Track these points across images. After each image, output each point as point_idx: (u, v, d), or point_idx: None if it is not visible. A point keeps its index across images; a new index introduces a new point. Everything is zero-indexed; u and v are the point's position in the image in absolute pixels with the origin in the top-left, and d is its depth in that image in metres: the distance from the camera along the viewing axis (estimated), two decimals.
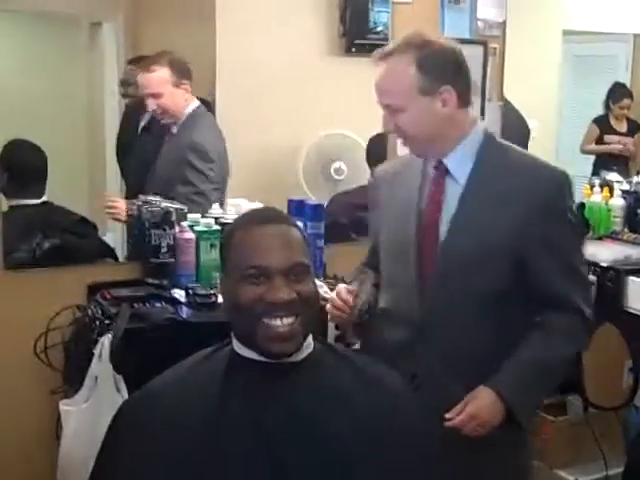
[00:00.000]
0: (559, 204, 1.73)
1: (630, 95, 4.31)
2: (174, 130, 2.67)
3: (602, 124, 4.41)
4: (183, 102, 2.65)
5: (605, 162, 4.20)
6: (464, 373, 1.69)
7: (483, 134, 1.78)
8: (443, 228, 1.74)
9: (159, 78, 2.62)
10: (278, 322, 1.29)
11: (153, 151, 2.74)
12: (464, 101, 1.73)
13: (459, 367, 1.70)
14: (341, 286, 1.80)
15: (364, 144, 2.97)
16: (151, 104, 2.62)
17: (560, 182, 1.74)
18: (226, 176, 2.67)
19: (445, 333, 1.72)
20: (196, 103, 2.68)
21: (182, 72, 2.66)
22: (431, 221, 1.76)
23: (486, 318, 1.71)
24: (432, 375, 1.72)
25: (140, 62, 2.76)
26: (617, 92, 4.37)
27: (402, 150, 2.86)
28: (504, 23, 2.99)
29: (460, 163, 1.76)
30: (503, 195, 1.72)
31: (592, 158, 4.42)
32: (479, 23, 2.93)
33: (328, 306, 1.78)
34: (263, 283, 1.30)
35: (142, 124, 2.84)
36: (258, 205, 2.26)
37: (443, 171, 1.78)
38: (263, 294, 1.30)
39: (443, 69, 1.69)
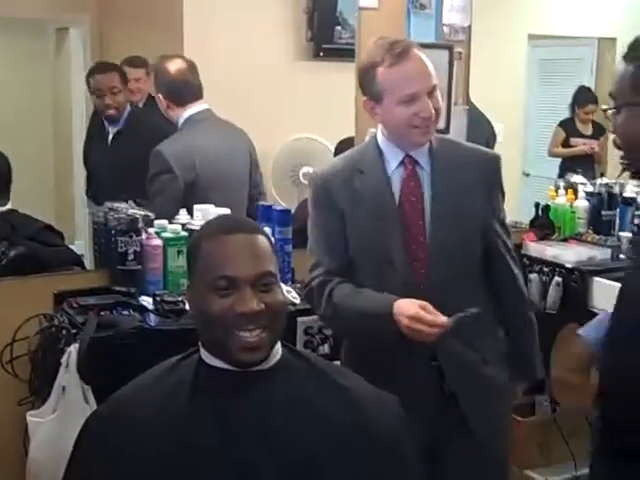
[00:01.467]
0: (500, 180, 1.99)
1: (595, 100, 4.36)
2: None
3: (568, 127, 4.47)
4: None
5: (571, 165, 4.25)
6: (472, 338, 1.89)
7: None
8: (427, 219, 1.90)
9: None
10: (247, 333, 1.29)
11: (126, 157, 2.74)
12: None
13: (466, 335, 1.85)
14: (412, 305, 1.77)
15: (332, 148, 2.98)
16: None
17: (499, 160, 2.01)
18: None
19: (448, 307, 1.78)
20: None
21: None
22: (412, 214, 1.90)
23: (477, 287, 1.94)
24: (449, 352, 1.87)
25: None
26: (582, 97, 4.43)
27: None
28: (469, 28, 3.01)
29: (422, 154, 1.92)
30: (463, 178, 1.90)
31: (558, 161, 4.48)
32: (444, 28, 2.95)
33: (424, 328, 1.75)
34: (232, 294, 1.30)
35: (115, 129, 2.83)
36: (225, 211, 2.26)
37: (414, 163, 1.92)
38: (232, 305, 1.29)
39: None
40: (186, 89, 2.59)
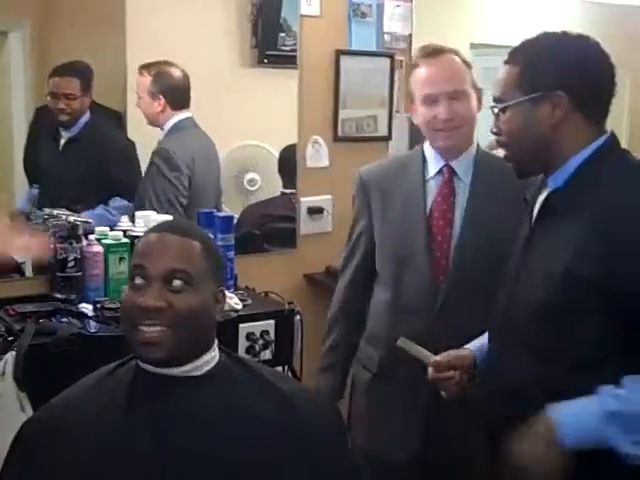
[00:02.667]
0: None
1: None
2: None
3: None
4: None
5: None
6: None
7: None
8: (456, 229, 1.93)
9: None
10: (145, 328, 1.30)
11: (77, 165, 2.70)
12: None
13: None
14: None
15: (277, 155, 2.99)
16: None
17: None
18: None
19: (460, 320, 1.85)
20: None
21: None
22: (440, 224, 1.94)
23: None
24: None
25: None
26: None
27: (312, 161, 2.93)
28: (410, 36, 3.06)
29: (462, 164, 1.97)
30: (502, 197, 1.88)
31: None
32: (385, 36, 3.00)
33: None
34: (143, 288, 1.31)
35: (69, 135, 2.79)
36: (167, 217, 2.26)
37: (451, 173, 1.97)
38: (137, 299, 1.31)
39: None
40: (184, 95, 2.74)
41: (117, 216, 2.46)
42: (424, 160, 2.03)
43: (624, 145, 1.60)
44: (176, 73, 2.74)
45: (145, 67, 2.76)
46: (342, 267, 2.20)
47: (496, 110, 1.57)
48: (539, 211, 1.59)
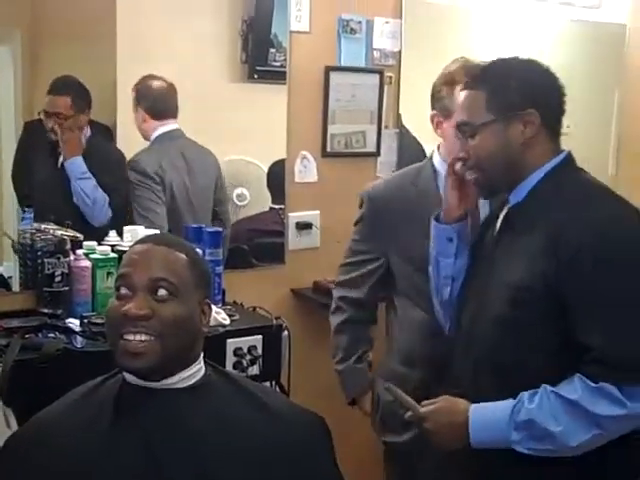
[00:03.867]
0: None
1: None
2: None
3: None
4: None
5: None
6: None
7: None
8: None
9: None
10: (130, 337, 1.30)
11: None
12: None
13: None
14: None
15: (266, 170, 3.00)
16: None
17: None
18: None
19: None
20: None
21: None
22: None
23: None
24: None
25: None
26: None
27: (300, 176, 2.93)
28: (399, 53, 3.08)
29: None
30: None
31: None
32: (375, 53, 3.01)
33: None
34: (128, 297, 1.32)
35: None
36: (155, 232, 2.26)
37: None
38: (121, 307, 1.31)
39: None
40: (164, 105, 2.75)
41: None
42: (435, 173, 2.04)
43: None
44: (155, 84, 2.76)
45: (136, 83, 2.79)
46: (351, 283, 2.22)
47: (465, 134, 1.61)
48: (500, 226, 1.66)
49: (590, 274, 1.45)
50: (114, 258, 2.26)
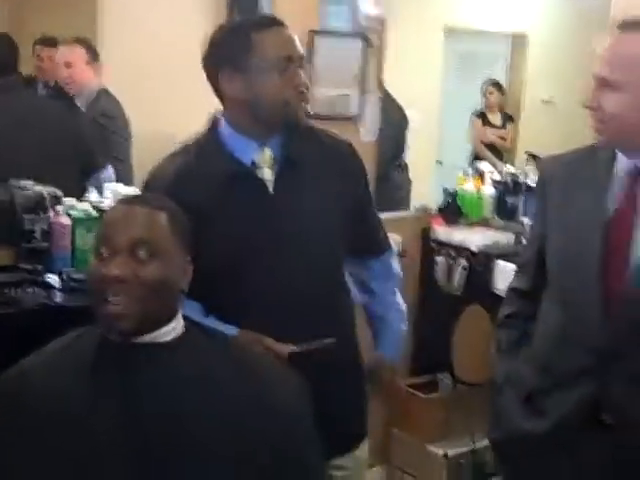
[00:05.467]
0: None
1: (495, 84, 4.53)
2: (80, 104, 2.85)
3: (481, 117, 4.61)
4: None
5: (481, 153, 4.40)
6: None
7: None
8: (636, 246, 1.56)
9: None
10: (112, 298, 1.31)
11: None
12: None
13: None
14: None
15: None
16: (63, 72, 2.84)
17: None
18: None
19: (635, 366, 1.55)
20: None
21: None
22: (621, 236, 1.57)
23: None
24: (622, 414, 1.57)
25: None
26: (485, 84, 4.60)
27: None
28: (383, 17, 3.08)
29: None
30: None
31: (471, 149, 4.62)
32: (359, 17, 3.01)
33: None
34: (109, 259, 1.32)
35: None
36: (134, 190, 2.28)
37: (637, 176, 1.59)
38: (101, 269, 1.32)
39: None
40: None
41: None
42: (614, 153, 1.65)
43: None
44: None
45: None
46: (519, 268, 1.93)
47: None
48: None
49: None
50: (94, 216, 2.28)
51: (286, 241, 1.67)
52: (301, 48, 1.70)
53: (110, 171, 2.76)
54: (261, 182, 1.69)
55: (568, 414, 1.62)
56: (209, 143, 1.72)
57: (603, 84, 1.54)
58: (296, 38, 1.69)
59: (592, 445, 1.59)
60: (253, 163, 1.69)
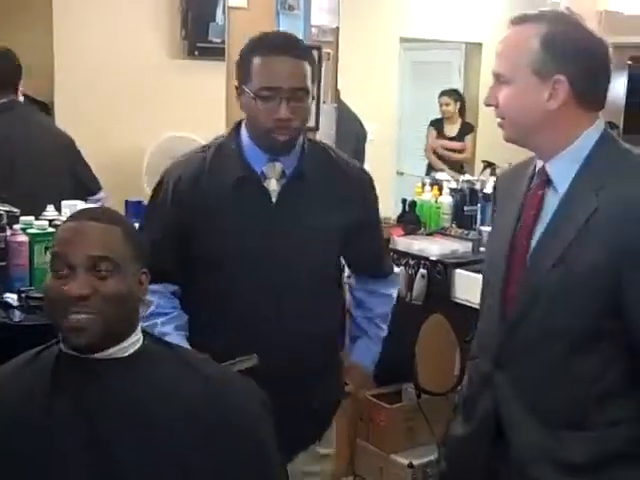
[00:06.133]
0: None
1: (450, 93, 4.57)
2: None
3: (438, 127, 4.65)
4: None
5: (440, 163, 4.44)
6: (552, 424, 1.50)
7: (599, 134, 1.50)
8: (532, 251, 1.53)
9: None
10: (74, 316, 1.31)
11: None
12: (582, 100, 1.48)
13: (544, 415, 1.51)
14: None
15: None
16: None
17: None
18: None
19: (525, 371, 1.53)
20: None
21: None
22: (522, 243, 1.53)
23: (574, 362, 1.48)
24: (512, 423, 1.54)
25: None
26: (440, 94, 4.63)
27: None
28: (337, 29, 3.11)
29: (563, 170, 1.50)
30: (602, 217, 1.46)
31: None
32: (313, 29, 3.03)
33: None
34: (67, 276, 1.32)
35: None
36: (93, 206, 2.26)
37: (544, 180, 1.53)
38: (62, 287, 1.31)
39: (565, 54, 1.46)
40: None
41: None
42: None
43: None
44: None
45: None
46: None
47: None
48: None
49: None
50: (51, 233, 2.25)
51: (277, 249, 1.79)
52: (302, 80, 1.72)
53: (103, 194, 2.76)
54: (266, 191, 1.80)
55: (477, 424, 1.61)
56: (229, 145, 1.84)
57: (496, 79, 1.52)
58: (299, 69, 1.73)
59: (498, 458, 1.57)
60: (262, 172, 1.81)
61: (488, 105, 1.54)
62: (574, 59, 1.45)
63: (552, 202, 1.51)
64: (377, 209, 2.00)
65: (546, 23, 1.47)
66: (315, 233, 1.80)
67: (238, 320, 1.80)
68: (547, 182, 1.52)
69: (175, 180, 1.83)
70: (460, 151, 4.48)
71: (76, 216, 1.42)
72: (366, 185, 1.94)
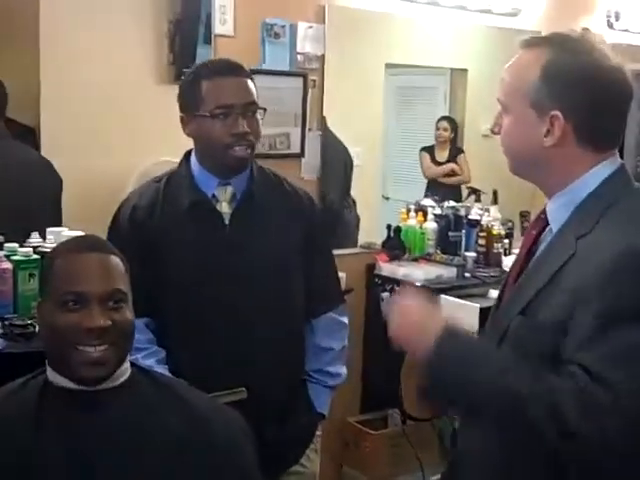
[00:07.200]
0: None
1: (447, 119, 4.57)
2: None
3: (430, 152, 4.64)
4: None
5: (436, 188, 4.41)
6: None
7: (607, 174, 1.34)
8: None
9: None
10: (92, 349, 1.32)
11: None
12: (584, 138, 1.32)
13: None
14: None
15: None
16: None
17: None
18: None
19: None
20: None
21: None
22: (509, 280, 1.46)
23: None
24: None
25: None
26: (437, 121, 4.63)
27: None
28: (323, 57, 3.14)
29: (558, 211, 1.37)
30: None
31: (418, 184, 4.63)
32: (299, 56, 3.07)
33: None
34: (80, 310, 1.33)
35: None
36: (79, 233, 2.25)
37: (541, 218, 1.42)
38: (79, 321, 1.33)
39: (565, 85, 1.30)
40: None
41: None
42: None
43: None
44: None
45: None
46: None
47: None
48: None
49: None
50: (36, 259, 2.25)
51: (236, 270, 1.85)
52: (252, 95, 1.86)
53: None
54: (218, 214, 1.88)
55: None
56: (180, 173, 1.93)
57: (501, 107, 1.41)
58: (248, 86, 1.86)
59: None
60: (214, 196, 1.89)
61: (493, 133, 1.46)
62: (573, 91, 1.30)
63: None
64: (326, 235, 2.08)
65: (550, 49, 1.32)
66: (271, 252, 1.88)
67: (206, 347, 1.84)
68: (546, 221, 1.40)
69: (130, 210, 1.91)
70: (455, 173, 4.45)
71: (74, 247, 1.43)
72: (312, 207, 2.03)
